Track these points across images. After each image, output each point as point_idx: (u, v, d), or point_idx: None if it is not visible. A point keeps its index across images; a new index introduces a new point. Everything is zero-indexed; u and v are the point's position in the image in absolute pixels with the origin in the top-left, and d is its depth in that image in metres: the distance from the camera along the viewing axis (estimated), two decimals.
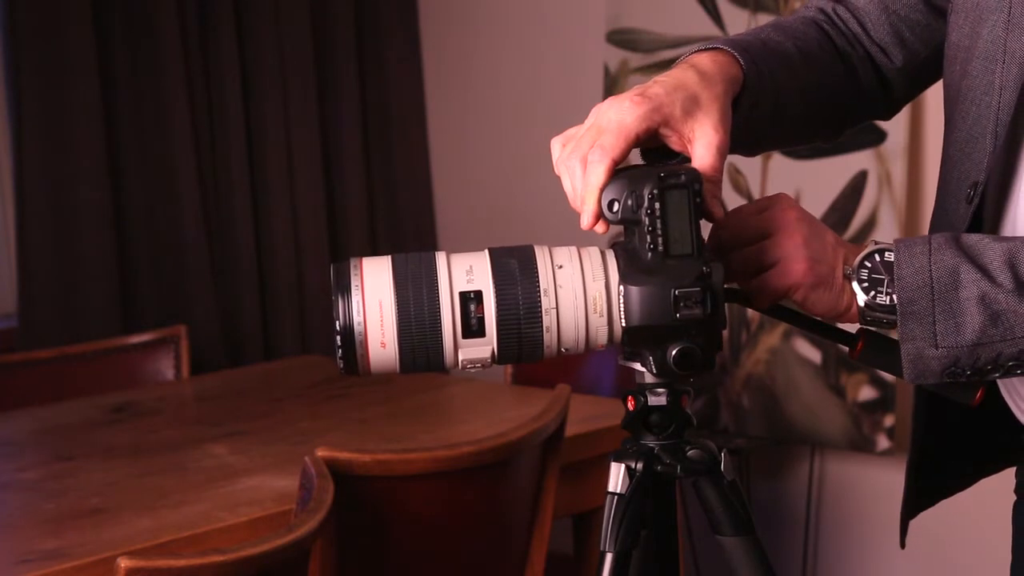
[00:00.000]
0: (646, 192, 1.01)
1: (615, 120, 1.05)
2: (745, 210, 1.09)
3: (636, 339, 1.02)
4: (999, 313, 1.02)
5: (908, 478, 1.33)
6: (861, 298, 1.06)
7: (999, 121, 1.14)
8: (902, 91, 1.34)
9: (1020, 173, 1.16)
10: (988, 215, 1.18)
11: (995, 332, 1.03)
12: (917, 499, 1.35)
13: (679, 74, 1.11)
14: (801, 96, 1.24)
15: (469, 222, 3.94)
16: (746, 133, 1.15)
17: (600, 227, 1.04)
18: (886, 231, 2.88)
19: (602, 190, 1.03)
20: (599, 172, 1.03)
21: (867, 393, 2.94)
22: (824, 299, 1.06)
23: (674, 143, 1.08)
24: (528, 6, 3.71)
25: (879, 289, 1.05)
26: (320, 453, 1.91)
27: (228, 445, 2.41)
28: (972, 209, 1.16)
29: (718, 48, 1.16)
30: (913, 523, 1.36)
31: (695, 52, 1.16)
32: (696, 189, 1.01)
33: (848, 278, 1.06)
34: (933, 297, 1.03)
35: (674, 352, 1.01)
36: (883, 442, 2.92)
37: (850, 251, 1.07)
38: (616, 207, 1.02)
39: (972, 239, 1.06)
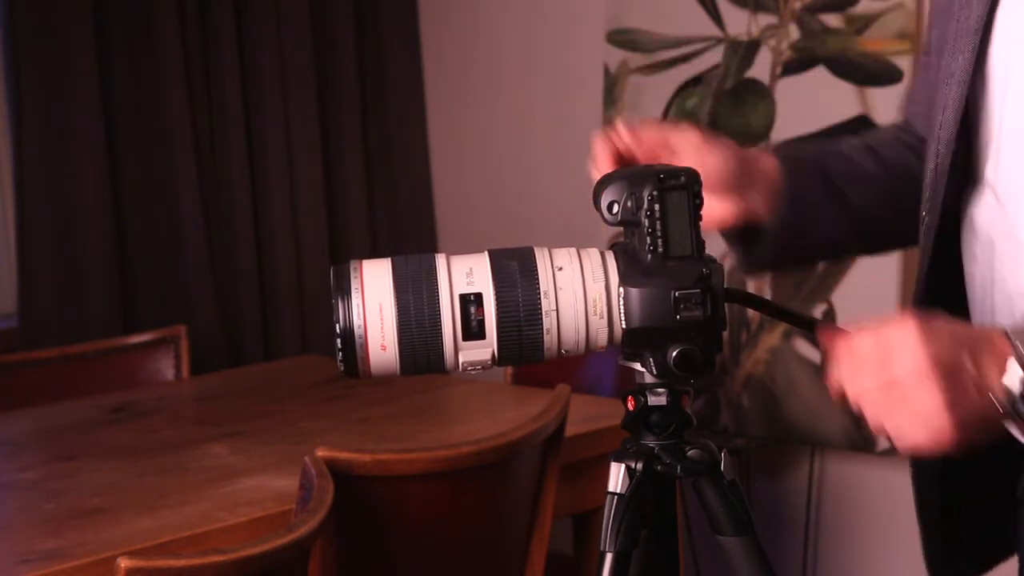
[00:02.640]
0: (645, 193, 1.01)
1: None
2: (866, 344, 0.98)
3: (636, 340, 1.02)
4: None
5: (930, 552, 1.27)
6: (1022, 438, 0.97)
7: (939, 139, 1.14)
8: None
9: (976, 191, 1.16)
10: (966, 235, 1.18)
11: None
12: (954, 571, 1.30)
13: None
14: (867, 185, 1.24)
15: (469, 222, 3.94)
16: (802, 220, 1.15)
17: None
18: None
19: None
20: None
21: None
22: (977, 440, 0.96)
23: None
24: (528, 6, 3.71)
25: None
26: (320, 453, 1.91)
27: (228, 445, 2.41)
28: (923, 229, 1.16)
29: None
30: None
31: None
32: (696, 190, 1.01)
33: (1010, 417, 0.95)
34: None
35: (674, 353, 1.01)
36: (883, 442, 2.91)
37: (991, 363, 0.95)
38: (616, 208, 1.02)
39: None
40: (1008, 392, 0.95)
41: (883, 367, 0.95)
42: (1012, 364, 0.95)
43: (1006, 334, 0.96)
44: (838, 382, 0.99)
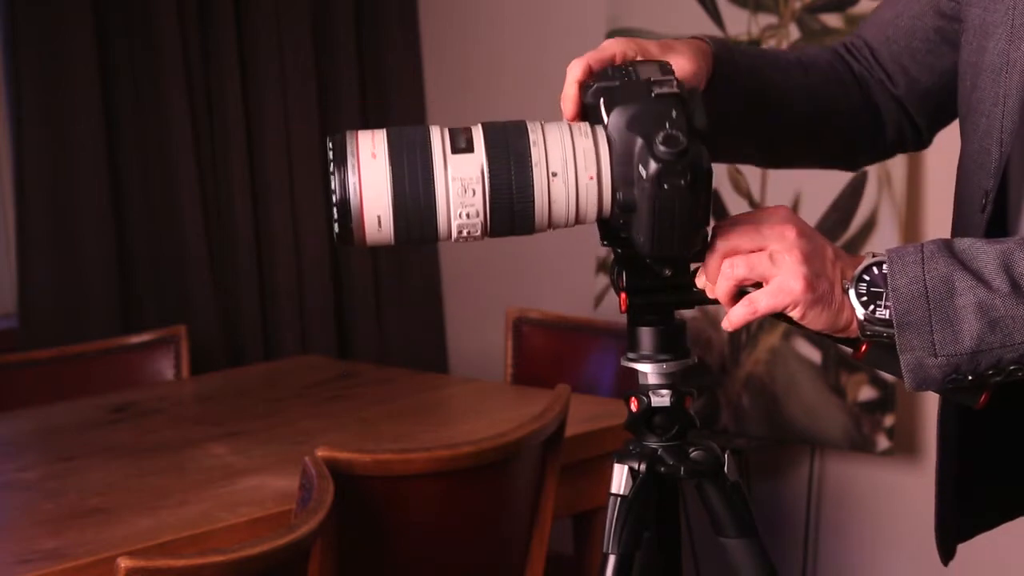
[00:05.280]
0: (624, 64, 1.06)
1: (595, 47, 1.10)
2: (743, 221, 1.09)
3: (621, 126, 1.03)
4: (997, 320, 1.02)
5: (942, 499, 1.30)
6: (860, 312, 1.05)
7: (1004, 128, 1.15)
8: (921, 118, 1.35)
9: None
10: (1011, 224, 1.18)
11: (994, 339, 1.03)
12: (964, 522, 1.32)
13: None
14: (803, 96, 1.25)
15: None
16: (747, 129, 1.16)
17: (569, 107, 1.06)
18: (886, 231, 2.88)
19: (579, 83, 1.06)
20: (575, 69, 1.07)
21: (867, 393, 2.94)
22: (823, 316, 1.06)
23: None
24: (528, 6, 3.71)
25: (878, 303, 1.05)
26: (320, 453, 1.91)
27: (228, 445, 2.41)
28: (986, 218, 1.16)
29: (693, 36, 1.20)
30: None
31: None
32: (669, 68, 1.05)
33: (847, 292, 1.06)
34: (929, 307, 1.03)
35: (659, 139, 1.00)
36: (883, 442, 2.92)
37: (848, 264, 1.07)
38: (595, 86, 1.05)
39: (964, 244, 1.06)
40: (859, 274, 1.06)
41: (755, 234, 1.06)
42: (867, 257, 1.07)
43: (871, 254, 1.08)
44: (712, 257, 1.07)
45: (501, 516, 2.17)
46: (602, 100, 1.03)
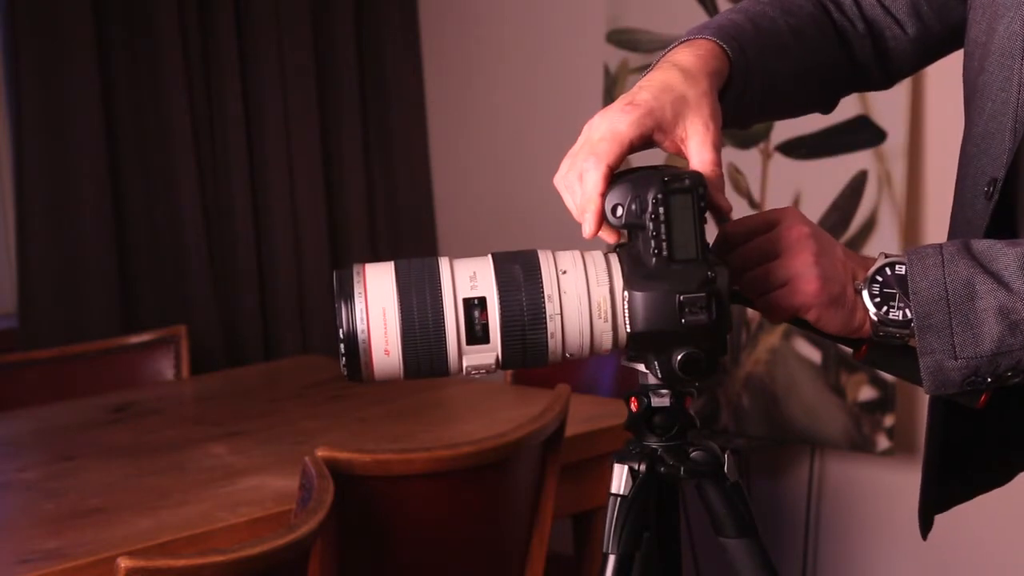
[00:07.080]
0: (650, 197, 1.01)
1: (607, 129, 1.06)
2: (752, 223, 1.08)
3: (641, 344, 1.02)
4: (1017, 322, 1.03)
5: (928, 470, 1.30)
6: (873, 313, 1.05)
7: (1018, 118, 1.14)
8: (909, 62, 1.35)
9: None
10: (1019, 211, 1.18)
11: (1014, 341, 1.03)
12: (941, 492, 1.32)
13: (663, 76, 1.12)
14: (793, 78, 1.24)
15: (469, 223, 3.94)
16: (735, 115, 1.16)
17: (610, 236, 1.04)
18: (886, 231, 2.88)
19: (602, 196, 1.03)
20: (595, 179, 1.03)
21: (867, 393, 2.94)
22: (836, 317, 1.06)
23: (668, 147, 1.08)
24: (528, 6, 3.71)
25: (891, 304, 1.05)
26: (320, 453, 1.91)
27: (228, 445, 2.41)
28: (992, 205, 1.16)
29: (704, 37, 1.16)
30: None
31: (678, 44, 1.17)
32: (700, 193, 1.01)
33: (859, 293, 1.06)
34: (950, 310, 1.04)
35: (679, 358, 1.01)
36: (883, 442, 2.92)
37: (859, 265, 1.07)
38: (620, 212, 1.02)
39: (983, 245, 1.06)
40: (872, 275, 1.06)
41: (767, 239, 1.06)
42: (880, 257, 1.07)
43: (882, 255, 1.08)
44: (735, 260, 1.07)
45: (501, 516, 2.17)
46: (626, 296, 1.01)
